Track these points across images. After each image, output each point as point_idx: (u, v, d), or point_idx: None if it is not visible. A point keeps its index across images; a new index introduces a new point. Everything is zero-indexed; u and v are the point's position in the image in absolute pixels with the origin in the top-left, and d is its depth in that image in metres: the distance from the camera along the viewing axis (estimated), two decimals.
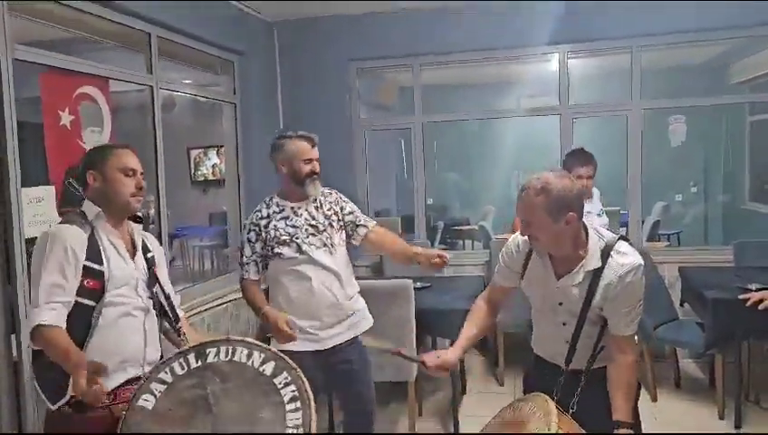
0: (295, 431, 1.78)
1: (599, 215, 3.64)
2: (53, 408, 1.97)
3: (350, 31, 5.11)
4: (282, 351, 2.55)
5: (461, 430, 3.70)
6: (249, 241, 2.73)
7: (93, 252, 2.01)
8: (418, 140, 5.27)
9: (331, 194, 2.84)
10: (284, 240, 2.66)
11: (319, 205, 2.76)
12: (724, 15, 4.52)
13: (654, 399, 4.00)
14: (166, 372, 1.89)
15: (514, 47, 4.99)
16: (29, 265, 2.44)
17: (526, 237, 2.04)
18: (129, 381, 2.05)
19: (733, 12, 4.49)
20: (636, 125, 4.89)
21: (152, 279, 2.18)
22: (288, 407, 1.86)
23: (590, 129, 6.94)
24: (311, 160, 2.70)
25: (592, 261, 2.01)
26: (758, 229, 6.77)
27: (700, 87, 6.86)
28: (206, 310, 4.08)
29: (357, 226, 2.82)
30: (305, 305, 2.66)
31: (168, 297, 2.24)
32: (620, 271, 1.98)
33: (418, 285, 3.91)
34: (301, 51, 5.21)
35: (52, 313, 1.90)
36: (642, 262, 2.04)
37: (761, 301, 3.33)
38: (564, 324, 2.12)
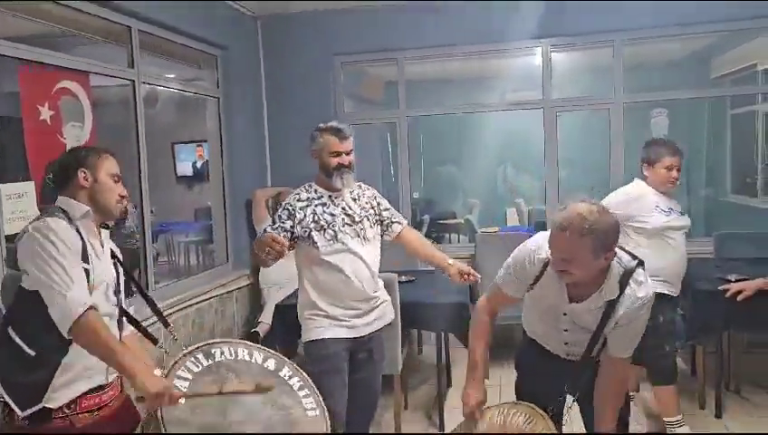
0: (314, 413, 2.06)
1: (681, 214, 3.38)
2: (22, 415, 1.87)
3: (335, 25, 5.10)
4: (315, 340, 2.68)
5: (446, 423, 3.72)
6: (279, 217, 2.71)
7: (82, 253, 1.95)
8: (403, 134, 5.27)
9: (369, 189, 2.91)
10: (322, 226, 2.67)
11: (357, 197, 2.80)
12: (706, 10, 4.56)
13: (636, 389, 4.04)
14: (183, 370, 1.97)
15: (498, 41, 5.00)
16: (6, 261, 2.41)
17: (557, 271, 1.95)
18: (92, 390, 1.98)
19: (714, 6, 4.53)
20: (618, 119, 4.93)
21: (119, 285, 2.12)
22: (300, 393, 2.11)
23: (573, 123, 6.99)
24: (339, 154, 2.70)
25: (610, 290, 1.96)
26: (740, 221, 6.84)
27: (682, 81, 6.90)
28: (190, 306, 4.07)
29: (393, 222, 2.89)
30: (338, 294, 2.69)
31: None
32: (636, 303, 1.96)
33: (403, 278, 3.92)
34: (285, 45, 5.19)
35: (85, 292, 1.85)
36: (654, 292, 2.01)
37: (740, 292, 3.39)
38: (566, 331, 2.12)
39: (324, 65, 5.20)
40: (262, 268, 4.61)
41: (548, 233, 2.03)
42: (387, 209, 2.91)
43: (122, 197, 2.11)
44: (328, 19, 5.09)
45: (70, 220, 1.96)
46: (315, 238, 2.66)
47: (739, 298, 3.38)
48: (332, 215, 2.70)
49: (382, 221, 2.87)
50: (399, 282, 3.62)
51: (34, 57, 3.00)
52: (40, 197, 2.91)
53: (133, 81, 3.73)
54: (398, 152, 5.37)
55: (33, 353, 1.89)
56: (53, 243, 1.85)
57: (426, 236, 7.40)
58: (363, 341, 2.77)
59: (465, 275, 2.74)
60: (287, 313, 3.66)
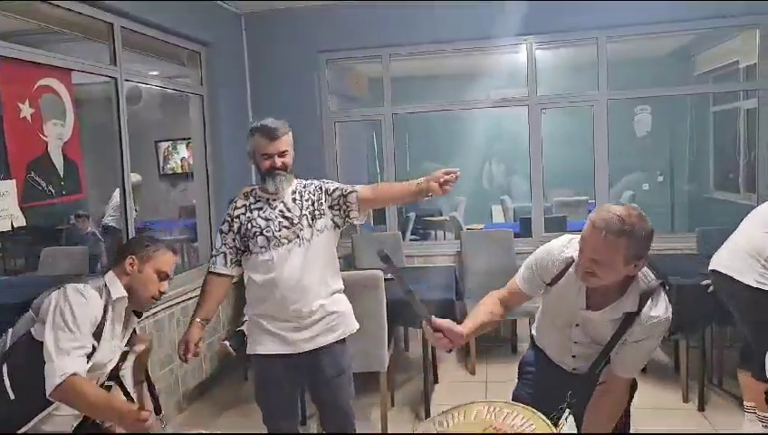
0: None
1: None
2: None
3: (319, 22, 5.09)
4: (253, 355, 2.56)
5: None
6: (221, 232, 2.59)
7: (97, 328, 2.06)
8: (389, 131, 5.27)
9: (313, 183, 2.63)
10: (255, 232, 2.50)
11: (297, 197, 2.56)
12: (688, 7, 4.61)
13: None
14: None
15: (482, 39, 5.01)
16: None
17: (582, 272, 1.88)
18: None
19: (696, 4, 4.58)
20: (602, 115, 4.96)
21: (116, 370, 2.24)
22: None
23: (558, 119, 7.03)
24: (270, 156, 2.50)
25: (629, 303, 1.92)
26: (723, 217, 6.91)
27: (665, 78, 6.96)
28: (176, 304, 4.04)
29: (346, 195, 2.57)
30: (273, 304, 2.50)
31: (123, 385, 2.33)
32: (650, 322, 1.91)
33: (389, 275, 3.91)
34: (269, 42, 5.17)
35: (80, 361, 1.95)
36: (670, 317, 1.95)
37: None
38: (575, 343, 2.09)
39: (309, 62, 5.18)
40: None
41: (571, 236, 2.01)
42: (335, 189, 2.59)
43: (161, 292, 2.24)
44: (312, 16, 5.07)
45: (106, 298, 2.10)
46: (250, 246, 2.51)
47: (717, 291, 3.41)
48: (267, 220, 2.51)
49: (337, 205, 2.57)
50: (386, 279, 3.62)
51: (14, 54, 2.96)
52: (21, 195, 2.87)
53: (116, 78, 3.70)
54: (383, 149, 5.36)
55: (12, 398, 1.98)
56: (73, 310, 1.98)
57: (412, 233, 7.44)
58: (308, 356, 2.54)
59: (445, 179, 2.38)
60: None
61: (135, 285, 2.18)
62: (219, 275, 2.57)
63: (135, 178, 5.41)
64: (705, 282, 3.50)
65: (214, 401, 4.30)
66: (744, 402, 3.37)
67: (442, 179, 2.38)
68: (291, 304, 2.49)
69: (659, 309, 1.92)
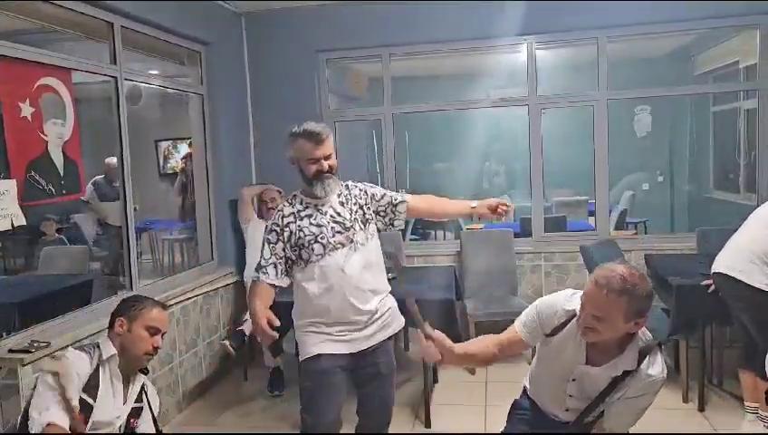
0: None
1: None
2: None
3: (319, 22, 5.08)
4: (309, 357, 2.49)
5: (433, 420, 3.73)
6: (269, 242, 2.50)
7: (91, 386, 2.17)
8: (389, 130, 5.27)
9: (356, 186, 2.62)
10: (309, 240, 2.44)
11: (344, 201, 2.53)
12: (688, 7, 4.60)
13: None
14: None
15: (483, 39, 5.01)
16: None
17: (583, 327, 1.94)
18: None
19: (697, 4, 4.58)
20: (602, 115, 4.96)
21: (128, 428, 2.32)
22: None
23: (557, 119, 7.03)
24: (317, 160, 2.45)
25: (628, 361, 1.97)
26: (723, 217, 6.91)
27: (665, 78, 6.97)
28: (175, 304, 4.04)
29: (396, 205, 2.62)
30: (331, 309, 2.47)
31: None
32: (646, 380, 1.96)
33: (389, 275, 3.91)
34: (269, 41, 5.17)
35: (60, 414, 2.04)
36: (665, 377, 2.00)
37: None
38: (571, 396, 2.11)
39: (308, 62, 5.18)
40: (247, 266, 4.59)
41: (574, 290, 2.06)
42: (383, 196, 2.63)
43: (155, 347, 2.34)
44: (312, 16, 5.07)
45: (98, 358, 2.23)
46: (304, 255, 2.46)
47: (721, 293, 3.42)
48: (320, 226, 2.46)
49: (384, 211, 2.62)
50: (388, 279, 3.62)
51: (14, 54, 2.95)
52: (21, 195, 2.87)
53: (116, 77, 3.69)
54: (383, 149, 5.36)
55: None
56: (58, 371, 2.10)
57: (412, 232, 7.44)
58: (364, 355, 2.54)
59: (500, 207, 2.54)
60: (273, 311, 3.64)
61: (127, 344, 2.30)
62: (270, 285, 2.49)
63: (110, 160, 5.41)
64: (705, 282, 3.51)
65: (214, 401, 4.30)
66: (745, 402, 3.37)
67: (496, 206, 2.53)
68: (352, 309, 2.47)
69: (656, 368, 1.97)
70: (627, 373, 1.97)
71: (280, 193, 4.71)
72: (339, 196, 2.54)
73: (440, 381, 4.37)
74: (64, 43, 3.80)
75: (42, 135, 3.09)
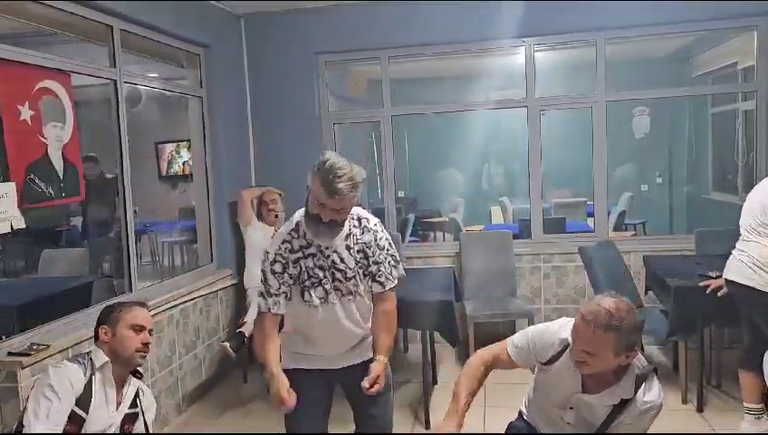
0: None
1: None
2: None
3: (318, 24, 5.09)
4: (288, 369, 2.35)
5: (432, 421, 3.73)
6: (274, 272, 2.30)
7: (83, 398, 2.18)
8: (388, 132, 5.28)
9: (370, 230, 2.37)
10: (313, 283, 2.30)
11: (352, 245, 2.33)
12: (687, 8, 4.61)
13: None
14: None
15: (481, 40, 5.02)
16: None
17: (575, 361, 1.95)
18: None
19: (695, 5, 4.59)
20: (601, 117, 4.96)
21: (126, 432, 2.33)
22: None
23: (556, 121, 7.04)
24: (324, 206, 2.17)
25: (625, 388, 1.98)
26: (721, 218, 6.93)
27: (664, 79, 6.98)
28: (175, 306, 4.05)
29: (375, 281, 2.38)
30: (316, 343, 2.38)
31: None
32: (644, 407, 1.97)
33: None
34: (268, 44, 5.18)
35: (49, 425, 2.05)
36: (662, 403, 2.00)
37: (720, 287, 3.44)
38: (568, 424, 2.11)
39: (308, 64, 5.19)
40: (246, 269, 4.60)
41: (568, 319, 2.06)
42: (377, 263, 2.37)
43: (144, 344, 2.35)
44: (311, 17, 5.08)
45: (90, 368, 2.24)
46: (304, 294, 2.31)
47: (719, 294, 3.43)
48: (322, 269, 2.30)
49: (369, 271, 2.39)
50: None
51: (14, 57, 2.96)
52: (20, 197, 2.88)
53: (115, 80, 3.70)
54: (382, 151, 5.37)
55: None
56: (51, 382, 2.12)
57: (411, 234, 7.45)
58: (346, 371, 2.43)
59: (370, 383, 2.24)
60: None
61: (116, 348, 2.31)
62: (276, 315, 2.34)
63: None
64: (703, 283, 3.52)
65: (214, 402, 4.31)
66: (744, 403, 3.37)
67: (371, 382, 2.25)
68: (330, 343, 2.39)
69: (653, 394, 1.98)
70: (624, 401, 1.97)
71: (280, 195, 4.71)
72: (347, 238, 2.33)
73: (440, 382, 4.37)
74: (64, 46, 3.80)
75: (41, 138, 3.09)
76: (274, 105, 5.20)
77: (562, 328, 2.07)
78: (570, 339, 1.99)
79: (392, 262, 2.41)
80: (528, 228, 5.30)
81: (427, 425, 3.74)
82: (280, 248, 2.32)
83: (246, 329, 4.26)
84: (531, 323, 4.60)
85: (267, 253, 2.35)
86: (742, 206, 3.34)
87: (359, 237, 2.34)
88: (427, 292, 3.85)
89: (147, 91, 5.27)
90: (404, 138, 8.47)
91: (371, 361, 2.37)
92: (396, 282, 2.43)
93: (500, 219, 8.67)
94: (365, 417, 2.52)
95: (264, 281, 2.33)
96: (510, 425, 2.44)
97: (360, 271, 2.35)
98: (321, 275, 2.30)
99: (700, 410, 3.74)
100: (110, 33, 3.67)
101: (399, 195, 6.40)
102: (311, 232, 2.26)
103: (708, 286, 3.48)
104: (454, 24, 4.91)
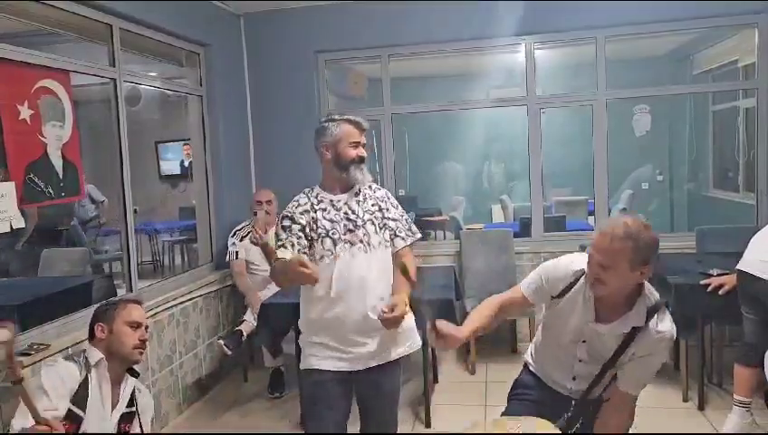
0: None
1: None
2: None
3: (318, 22, 5.09)
4: (306, 370, 2.41)
5: (433, 420, 3.74)
6: (284, 228, 2.36)
7: (80, 397, 2.18)
8: (388, 131, 5.27)
9: (380, 189, 2.54)
10: (320, 234, 2.35)
11: (362, 199, 2.45)
12: (687, 6, 4.60)
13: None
14: None
15: (481, 38, 5.01)
16: None
17: (592, 279, 1.97)
18: None
19: (695, 3, 4.58)
20: (601, 115, 4.96)
21: (122, 431, 2.32)
22: None
23: (557, 119, 7.03)
24: (357, 144, 2.41)
25: (637, 317, 1.99)
26: (722, 216, 6.92)
27: (664, 77, 6.97)
28: (175, 305, 4.05)
29: (396, 236, 2.49)
30: (338, 314, 2.34)
31: None
32: (656, 336, 1.98)
33: None
34: (268, 42, 5.17)
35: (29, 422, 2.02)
36: (675, 335, 2.03)
37: (721, 286, 3.43)
38: (580, 361, 2.13)
39: (307, 62, 5.18)
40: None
41: (580, 253, 2.10)
42: (394, 220, 2.49)
43: (142, 341, 2.36)
44: (311, 16, 5.07)
45: (86, 367, 2.24)
46: (315, 247, 2.35)
47: (720, 292, 3.42)
48: (332, 221, 2.37)
49: (386, 229, 2.48)
50: None
51: (13, 56, 2.95)
52: (20, 197, 2.87)
53: (115, 79, 3.69)
54: (382, 149, 5.36)
55: None
56: (48, 377, 2.14)
57: None
58: (367, 372, 2.41)
59: (388, 309, 2.27)
60: (272, 312, 3.65)
61: (113, 345, 2.32)
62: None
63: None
64: (703, 281, 3.51)
65: (214, 402, 4.31)
66: (735, 395, 3.36)
67: (388, 312, 2.27)
68: (348, 315, 2.34)
69: (665, 324, 2.00)
70: (636, 330, 1.99)
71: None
72: (357, 195, 2.46)
73: (440, 382, 4.37)
74: (63, 46, 3.80)
75: (41, 137, 3.08)
76: (274, 104, 5.19)
77: (573, 262, 2.12)
78: (584, 267, 2.03)
79: (408, 220, 2.57)
80: (528, 227, 5.29)
81: (428, 424, 3.74)
82: (289, 208, 2.44)
83: (245, 328, 4.26)
84: (531, 322, 4.60)
85: (279, 216, 2.48)
86: (743, 203, 3.33)
87: (371, 194, 2.49)
88: (427, 290, 3.84)
89: (146, 90, 5.26)
90: (404, 136, 8.45)
91: (389, 363, 2.44)
92: (416, 237, 2.57)
93: (500, 218, 8.66)
94: (370, 419, 2.55)
95: (276, 236, 2.41)
96: (515, 382, 2.44)
97: (371, 221, 2.43)
98: (329, 226, 2.37)
99: (701, 408, 3.74)
100: (109, 32, 3.67)
101: (400, 193, 6.38)
102: (357, 174, 2.40)
103: (709, 284, 3.48)
104: (454, 23, 4.91)
